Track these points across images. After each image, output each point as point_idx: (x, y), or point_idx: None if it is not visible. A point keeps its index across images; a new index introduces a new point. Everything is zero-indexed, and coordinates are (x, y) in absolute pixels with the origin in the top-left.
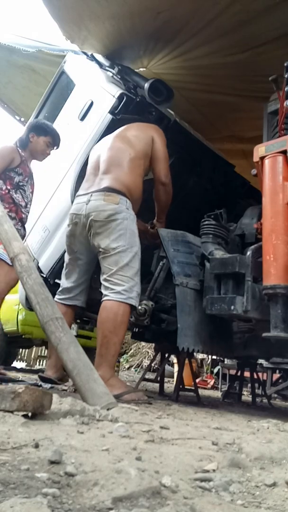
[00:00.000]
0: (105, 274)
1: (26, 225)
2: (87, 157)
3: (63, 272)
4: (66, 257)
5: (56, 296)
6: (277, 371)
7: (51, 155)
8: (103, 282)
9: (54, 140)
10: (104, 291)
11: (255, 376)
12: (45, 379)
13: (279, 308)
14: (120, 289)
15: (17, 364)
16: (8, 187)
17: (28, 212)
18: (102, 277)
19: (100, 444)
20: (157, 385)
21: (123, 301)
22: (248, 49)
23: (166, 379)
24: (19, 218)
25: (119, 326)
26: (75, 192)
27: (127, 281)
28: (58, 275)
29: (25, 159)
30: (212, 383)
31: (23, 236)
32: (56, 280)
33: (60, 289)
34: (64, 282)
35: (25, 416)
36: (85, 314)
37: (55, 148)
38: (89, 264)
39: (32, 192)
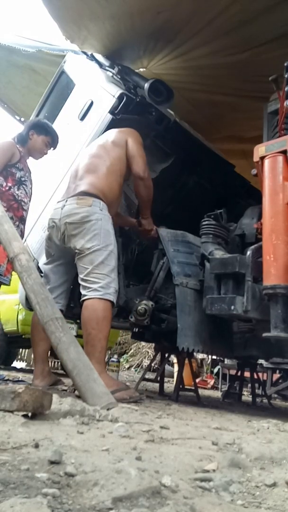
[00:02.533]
0: (82, 274)
1: (26, 223)
2: None
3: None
4: (44, 262)
5: None
6: (277, 371)
7: (48, 154)
8: (80, 282)
9: (53, 141)
10: (82, 291)
11: (255, 376)
12: None
13: (279, 308)
14: (97, 287)
15: (17, 364)
16: (10, 184)
17: (28, 209)
18: (79, 278)
19: (100, 444)
20: (157, 385)
21: (101, 297)
22: (248, 49)
23: (166, 379)
24: (20, 216)
25: (102, 321)
26: None
27: (103, 278)
28: None
29: (24, 154)
30: (212, 383)
31: (23, 234)
32: None
33: None
34: None
35: (25, 416)
36: None
37: (52, 148)
38: (67, 266)
39: (31, 188)
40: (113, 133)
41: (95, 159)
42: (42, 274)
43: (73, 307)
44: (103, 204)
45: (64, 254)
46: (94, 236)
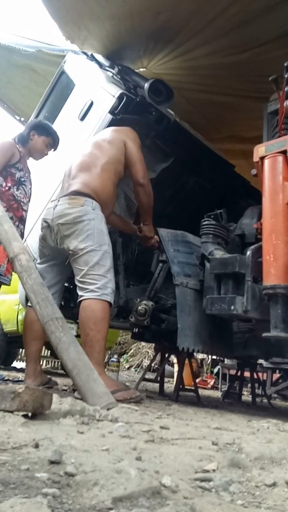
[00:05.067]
0: (78, 275)
1: (25, 223)
2: None
3: None
4: (38, 262)
5: (29, 303)
6: (277, 371)
7: (48, 155)
8: (77, 284)
9: (54, 142)
10: (79, 292)
11: (255, 376)
12: None
13: (279, 308)
14: (94, 287)
15: (17, 364)
16: (9, 184)
17: (28, 209)
18: (75, 279)
19: (100, 444)
20: (157, 385)
21: (98, 298)
22: (248, 49)
23: (166, 379)
24: (19, 216)
25: (100, 322)
26: None
27: (99, 279)
28: None
29: (24, 155)
30: (212, 383)
31: (22, 234)
32: None
33: None
34: None
35: (25, 416)
36: None
37: (52, 150)
38: (61, 266)
39: (31, 189)
40: (109, 132)
41: (88, 158)
42: None
43: (73, 307)
44: (96, 203)
45: (58, 255)
46: (88, 236)
